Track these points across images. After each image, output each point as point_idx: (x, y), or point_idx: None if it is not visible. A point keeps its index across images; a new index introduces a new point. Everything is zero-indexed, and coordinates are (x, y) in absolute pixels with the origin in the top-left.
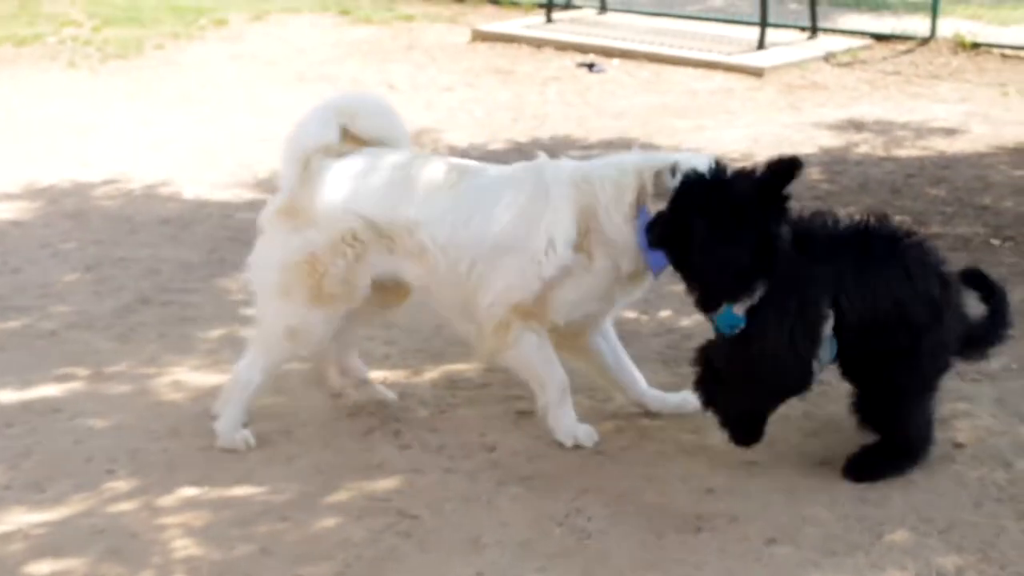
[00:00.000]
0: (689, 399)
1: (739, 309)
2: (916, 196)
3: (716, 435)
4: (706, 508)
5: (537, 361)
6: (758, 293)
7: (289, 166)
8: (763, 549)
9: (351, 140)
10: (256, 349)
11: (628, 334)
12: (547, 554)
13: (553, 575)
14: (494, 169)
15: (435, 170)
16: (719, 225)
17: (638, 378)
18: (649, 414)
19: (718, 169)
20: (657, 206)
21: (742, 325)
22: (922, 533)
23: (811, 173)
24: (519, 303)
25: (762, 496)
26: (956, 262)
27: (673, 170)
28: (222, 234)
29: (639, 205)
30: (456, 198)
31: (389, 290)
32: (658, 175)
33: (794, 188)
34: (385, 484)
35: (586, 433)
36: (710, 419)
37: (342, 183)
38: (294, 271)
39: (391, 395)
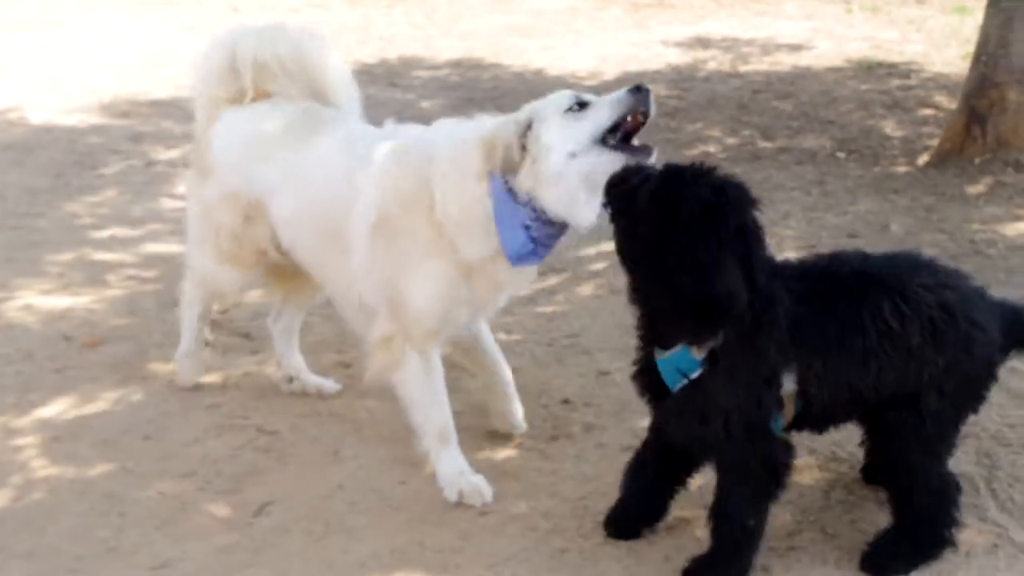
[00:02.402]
0: None
1: (698, 352)
2: (763, 111)
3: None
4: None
5: (418, 393)
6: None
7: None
8: (619, 456)
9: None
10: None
11: None
12: (410, 464)
13: (414, 484)
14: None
15: (293, 128)
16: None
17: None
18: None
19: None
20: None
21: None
22: None
23: (660, 90)
24: (368, 306)
25: (616, 405)
26: (803, 175)
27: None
28: (68, 159)
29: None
30: (294, 167)
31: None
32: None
33: None
34: (243, 401)
35: (474, 488)
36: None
37: (231, 135)
38: (199, 222)
39: (332, 385)
